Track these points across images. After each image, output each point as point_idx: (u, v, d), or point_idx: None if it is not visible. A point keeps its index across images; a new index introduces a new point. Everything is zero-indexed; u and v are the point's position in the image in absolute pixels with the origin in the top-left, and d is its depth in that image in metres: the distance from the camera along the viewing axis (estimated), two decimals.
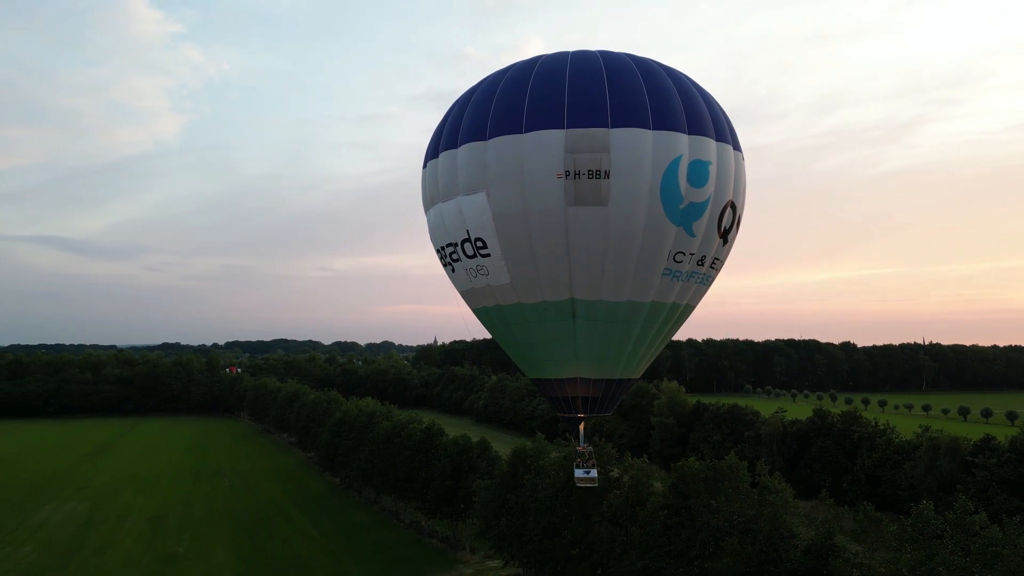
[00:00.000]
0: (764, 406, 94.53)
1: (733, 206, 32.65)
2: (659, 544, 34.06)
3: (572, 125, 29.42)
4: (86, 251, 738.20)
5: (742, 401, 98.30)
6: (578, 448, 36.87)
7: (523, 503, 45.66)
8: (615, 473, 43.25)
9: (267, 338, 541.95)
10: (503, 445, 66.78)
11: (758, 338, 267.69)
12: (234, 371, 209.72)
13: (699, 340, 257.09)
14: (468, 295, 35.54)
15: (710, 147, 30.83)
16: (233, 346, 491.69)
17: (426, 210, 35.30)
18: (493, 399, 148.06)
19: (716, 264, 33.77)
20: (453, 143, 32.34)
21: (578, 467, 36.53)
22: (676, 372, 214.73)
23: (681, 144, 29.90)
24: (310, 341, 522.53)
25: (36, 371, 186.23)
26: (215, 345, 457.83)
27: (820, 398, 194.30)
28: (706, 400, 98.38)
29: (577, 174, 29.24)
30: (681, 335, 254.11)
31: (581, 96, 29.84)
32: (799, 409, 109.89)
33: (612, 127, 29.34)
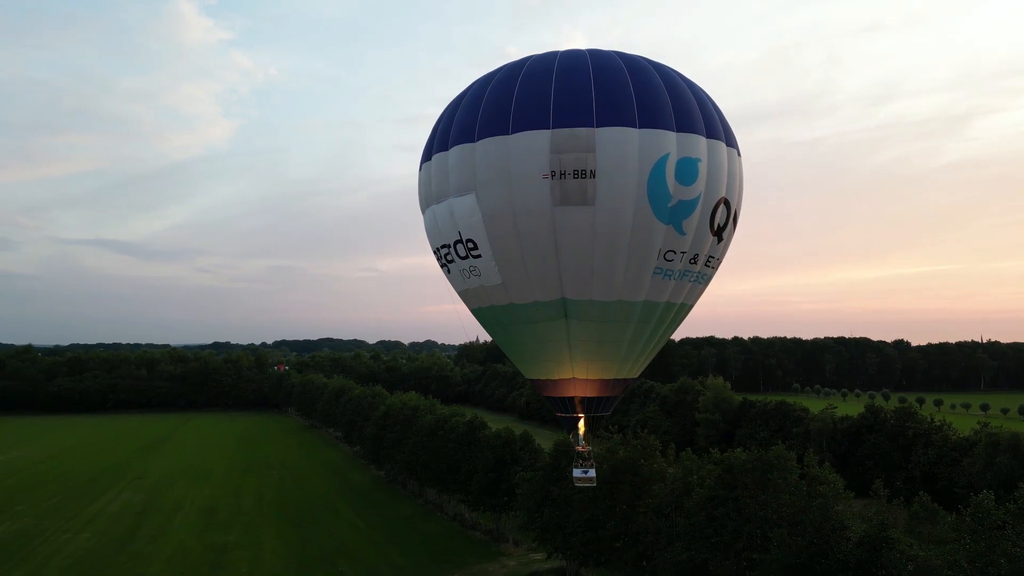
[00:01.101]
0: (813, 404, 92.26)
1: (727, 203, 32.08)
2: (705, 535, 33.50)
3: (557, 125, 29.26)
4: (141, 254, 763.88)
5: (790, 399, 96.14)
6: (577, 448, 36.81)
7: (566, 495, 45.47)
8: (658, 465, 42.73)
9: (314, 337, 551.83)
10: (545, 440, 66.60)
11: (806, 336, 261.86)
12: (282, 368, 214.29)
13: (745, 338, 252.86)
14: (464, 295, 35.70)
15: (699, 144, 30.38)
16: (281, 345, 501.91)
17: (422, 212, 35.61)
18: (535, 396, 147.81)
19: (711, 262, 33.27)
20: (444, 145, 32.54)
21: (576, 467, 36.52)
22: (721, 370, 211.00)
23: (668, 142, 29.54)
24: (355, 340, 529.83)
25: (94, 368, 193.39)
26: (263, 344, 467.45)
27: (872, 397, 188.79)
28: (752, 398, 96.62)
29: (562, 174, 29.11)
30: (726, 333, 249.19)
31: (566, 96, 29.67)
32: (850, 408, 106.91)
33: (597, 126, 29.10)
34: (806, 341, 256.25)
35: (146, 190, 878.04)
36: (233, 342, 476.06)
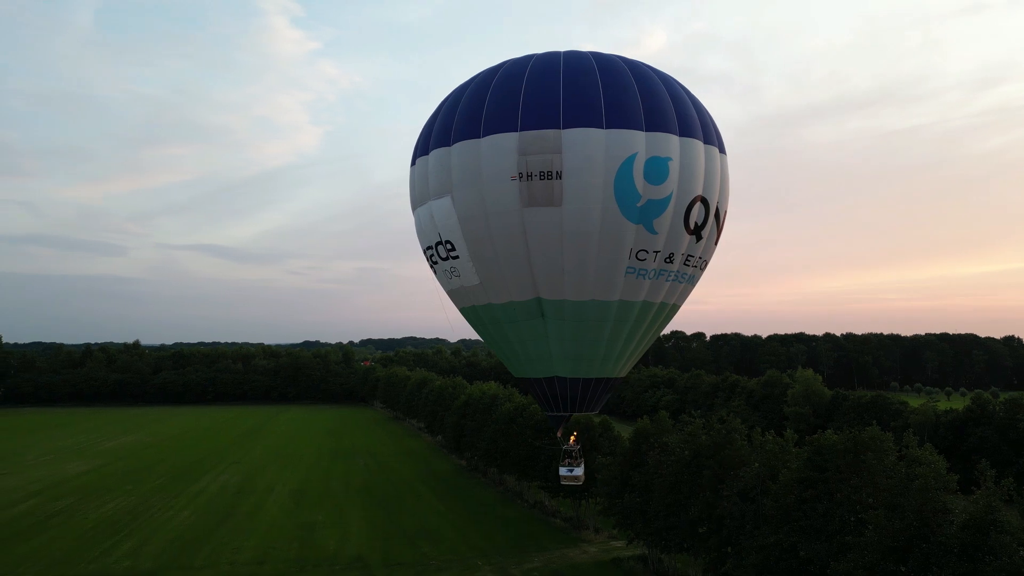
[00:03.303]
0: (913, 402, 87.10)
1: (704, 201, 31.40)
2: (794, 518, 32.11)
3: (525, 128, 29.35)
4: (237, 257, 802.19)
5: (888, 396, 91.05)
6: (564, 447, 36.77)
7: (647, 480, 44.67)
8: (745, 450, 41.25)
9: (398, 336, 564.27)
10: (624, 431, 65.73)
11: (905, 333, 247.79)
12: (367, 364, 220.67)
13: (837, 334, 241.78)
14: (452, 296, 36.10)
15: (671, 143, 29.91)
16: (367, 343, 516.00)
17: (413, 214, 36.23)
18: (618, 391, 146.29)
19: (692, 261, 32.56)
20: (425, 150, 33.13)
21: (563, 466, 36.51)
22: (811, 367, 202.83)
23: (636, 142, 29.19)
24: (437, 339, 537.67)
25: (196, 362, 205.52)
26: (351, 343, 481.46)
27: (980, 395, 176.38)
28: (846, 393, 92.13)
29: (529, 176, 29.14)
30: (816, 329, 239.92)
31: (535, 98, 29.72)
32: (954, 406, 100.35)
33: (564, 128, 29.01)
34: (905, 338, 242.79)
35: (241, 197, 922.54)
36: (322, 341, 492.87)
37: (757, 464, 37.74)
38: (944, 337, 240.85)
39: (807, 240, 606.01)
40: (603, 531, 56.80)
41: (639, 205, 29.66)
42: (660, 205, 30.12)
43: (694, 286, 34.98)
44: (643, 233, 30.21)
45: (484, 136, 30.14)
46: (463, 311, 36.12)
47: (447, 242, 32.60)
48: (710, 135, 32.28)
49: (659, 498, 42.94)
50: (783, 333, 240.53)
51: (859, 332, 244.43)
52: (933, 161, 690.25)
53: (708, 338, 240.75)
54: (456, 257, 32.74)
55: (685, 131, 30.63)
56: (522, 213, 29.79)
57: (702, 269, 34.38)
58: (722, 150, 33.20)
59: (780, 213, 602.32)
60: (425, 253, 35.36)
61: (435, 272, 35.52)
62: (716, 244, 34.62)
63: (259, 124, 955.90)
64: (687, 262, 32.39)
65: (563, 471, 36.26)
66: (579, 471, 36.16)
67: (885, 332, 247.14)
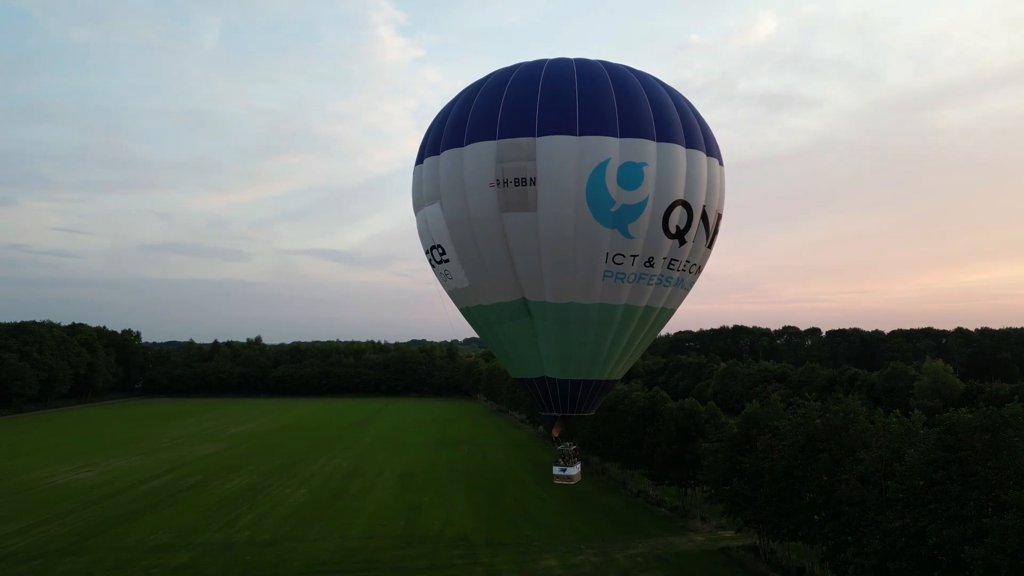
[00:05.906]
0: None
1: (686, 205, 31.47)
2: (923, 502, 29.62)
3: (503, 136, 30.67)
4: (349, 261, 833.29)
5: None
6: (558, 447, 36.62)
7: (757, 466, 42.70)
8: (866, 433, 38.56)
9: None
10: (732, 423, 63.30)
11: None
12: (470, 359, 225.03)
13: (971, 329, 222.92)
14: (451, 296, 37.19)
15: (646, 148, 30.36)
16: (470, 342, 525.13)
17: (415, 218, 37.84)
18: (723, 385, 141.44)
19: (677, 265, 32.69)
20: (421, 159, 34.88)
21: (556, 465, 36.64)
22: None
23: (609, 148, 29.94)
24: None
25: (311, 357, 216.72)
26: (455, 341, 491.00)
27: None
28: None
29: (505, 182, 30.46)
30: (948, 324, 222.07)
31: (513, 107, 31.00)
32: None
33: (539, 135, 30.16)
34: None
35: (352, 203, 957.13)
36: (428, 339, 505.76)
37: (879, 447, 35.17)
38: None
39: (935, 233, 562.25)
40: (710, 520, 54.90)
41: (613, 210, 30.36)
42: (635, 210, 30.74)
43: (687, 290, 35.41)
44: (618, 237, 30.92)
45: (467, 144, 31.78)
46: (462, 311, 37.86)
47: (439, 246, 34.40)
48: (695, 139, 32.45)
49: (770, 484, 40.96)
50: (908, 328, 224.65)
51: (996, 327, 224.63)
52: None
53: (824, 334, 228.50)
54: (447, 260, 34.38)
55: (664, 136, 31.16)
56: (501, 218, 31.20)
57: (693, 273, 34.72)
58: (711, 153, 33.40)
59: (905, 204, 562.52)
60: (426, 256, 36.79)
61: (435, 274, 37.11)
62: (710, 248, 34.93)
63: (369, 132, 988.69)
64: (671, 266, 32.80)
65: (556, 470, 37.74)
66: (572, 471, 36.93)
67: None
